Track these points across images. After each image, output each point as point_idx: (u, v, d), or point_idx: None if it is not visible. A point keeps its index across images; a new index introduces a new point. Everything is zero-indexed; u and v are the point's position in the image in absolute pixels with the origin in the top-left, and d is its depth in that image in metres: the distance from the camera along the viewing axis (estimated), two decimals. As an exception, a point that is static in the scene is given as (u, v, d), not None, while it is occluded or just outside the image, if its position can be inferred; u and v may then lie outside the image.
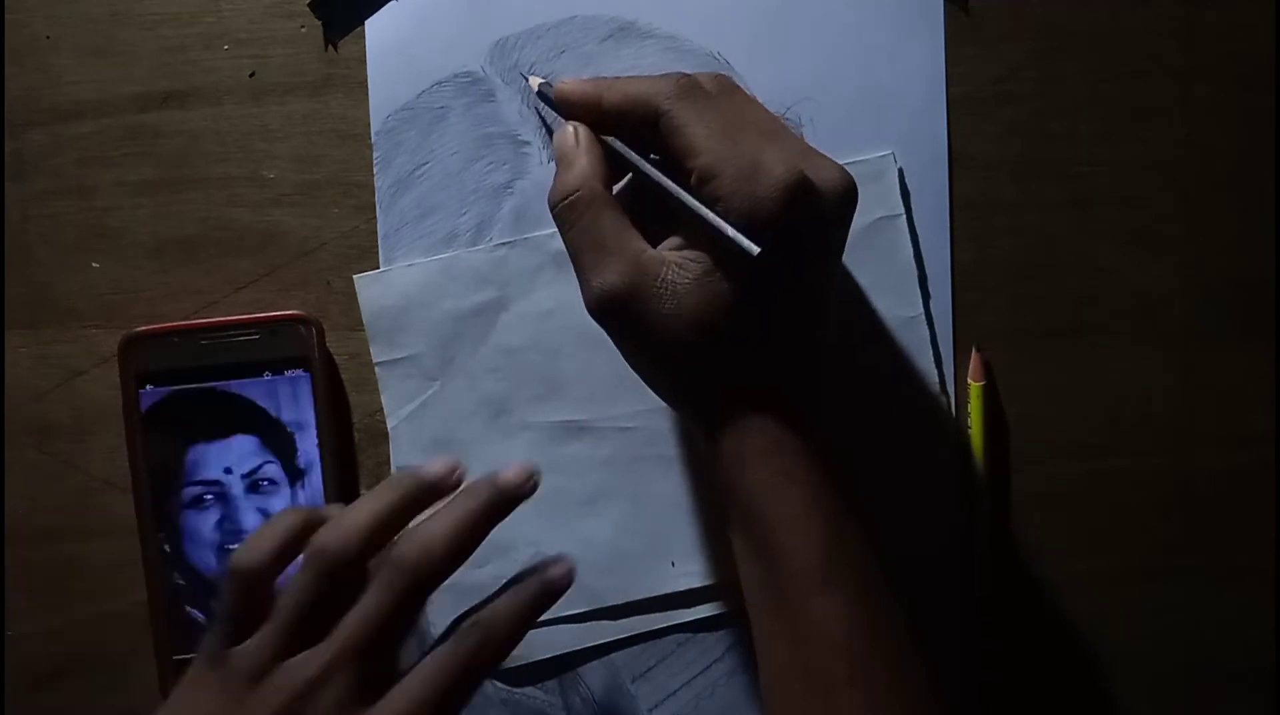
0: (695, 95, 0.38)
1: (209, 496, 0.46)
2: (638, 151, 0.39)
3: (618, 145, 0.39)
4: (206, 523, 0.46)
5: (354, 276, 0.47)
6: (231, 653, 0.37)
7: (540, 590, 0.39)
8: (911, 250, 0.46)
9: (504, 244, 0.46)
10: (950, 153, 0.46)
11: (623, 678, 0.47)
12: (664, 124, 0.37)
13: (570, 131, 0.40)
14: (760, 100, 0.46)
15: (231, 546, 0.46)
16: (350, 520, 0.37)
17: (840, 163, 0.39)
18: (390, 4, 0.46)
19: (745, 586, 0.40)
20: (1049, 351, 0.47)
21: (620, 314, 0.38)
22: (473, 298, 0.46)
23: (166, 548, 0.46)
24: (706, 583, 0.47)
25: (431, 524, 0.38)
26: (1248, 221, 0.47)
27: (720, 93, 0.39)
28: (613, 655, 0.47)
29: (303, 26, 0.47)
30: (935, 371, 0.47)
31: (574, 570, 0.40)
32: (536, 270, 0.46)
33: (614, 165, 0.40)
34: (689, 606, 0.47)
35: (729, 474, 0.39)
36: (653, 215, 0.39)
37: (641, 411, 0.46)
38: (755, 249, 0.35)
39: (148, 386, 0.46)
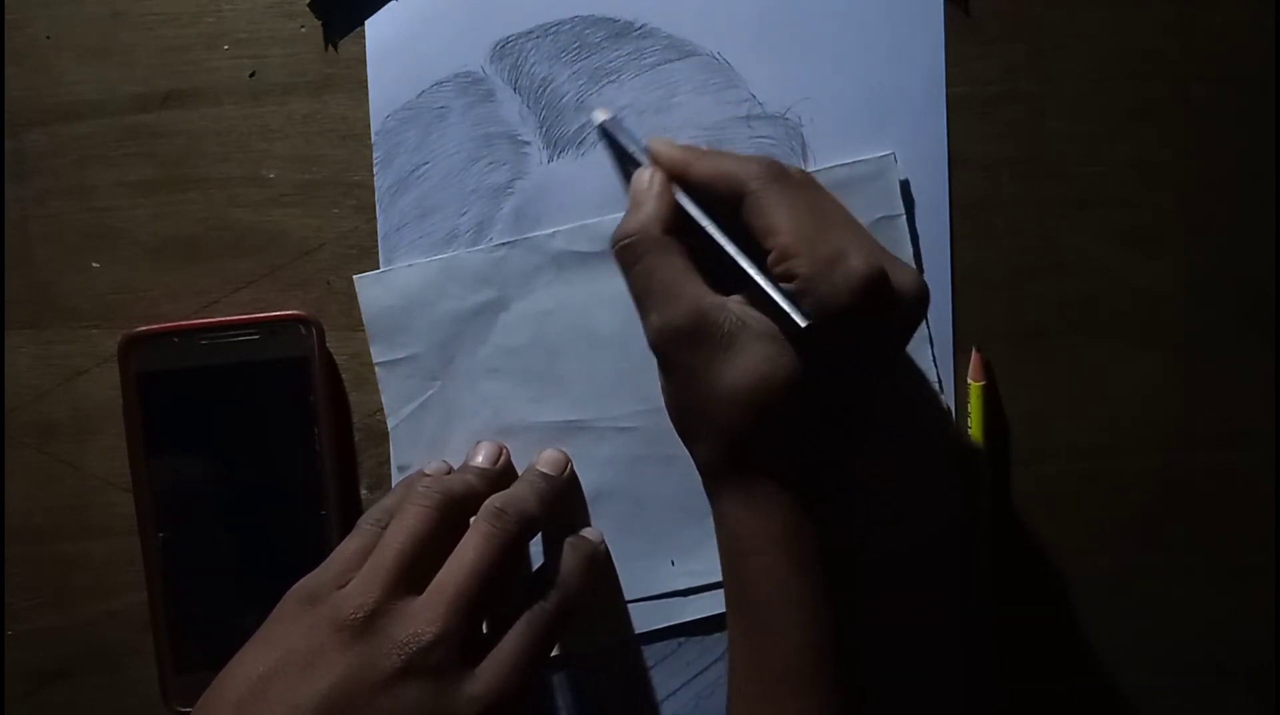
0: (783, 180, 0.38)
1: (209, 496, 0.46)
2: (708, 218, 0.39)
3: (686, 205, 0.39)
4: (207, 523, 0.46)
5: (354, 276, 0.47)
6: (337, 594, 0.38)
7: (593, 550, 0.42)
8: (911, 250, 0.46)
9: (504, 244, 0.46)
10: (950, 153, 0.46)
11: (623, 677, 0.47)
12: (749, 202, 0.38)
13: (647, 175, 0.40)
14: (760, 100, 0.46)
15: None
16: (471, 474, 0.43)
17: (840, 163, 0.39)
18: (390, 4, 0.46)
19: (731, 664, 0.40)
20: (1049, 351, 0.47)
21: (681, 352, 0.38)
22: (473, 298, 0.46)
23: (166, 548, 0.46)
24: (706, 582, 0.46)
25: (520, 487, 0.43)
26: (1248, 221, 0.47)
27: (805, 184, 0.40)
28: (612, 655, 0.47)
29: (303, 26, 0.47)
30: (935, 371, 0.47)
31: (602, 535, 0.46)
32: (536, 270, 0.46)
33: (683, 217, 0.40)
34: (689, 606, 0.47)
35: (739, 546, 0.39)
36: (710, 277, 0.39)
37: (641, 411, 0.46)
38: (803, 322, 0.36)
39: (148, 387, 0.46)
